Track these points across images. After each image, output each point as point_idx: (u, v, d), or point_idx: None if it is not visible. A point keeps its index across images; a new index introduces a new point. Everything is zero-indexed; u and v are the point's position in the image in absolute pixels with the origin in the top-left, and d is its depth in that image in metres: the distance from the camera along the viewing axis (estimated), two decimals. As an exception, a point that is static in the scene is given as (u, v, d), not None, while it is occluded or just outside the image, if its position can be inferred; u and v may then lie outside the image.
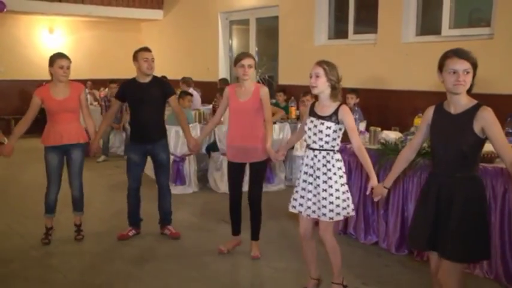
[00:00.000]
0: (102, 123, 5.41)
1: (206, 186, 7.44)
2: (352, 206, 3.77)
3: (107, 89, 10.65)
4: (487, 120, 2.89)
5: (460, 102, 2.99)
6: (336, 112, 3.65)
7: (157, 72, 5.40)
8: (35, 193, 7.02)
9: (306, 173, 3.77)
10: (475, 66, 2.93)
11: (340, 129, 3.68)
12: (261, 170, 4.67)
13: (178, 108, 5.32)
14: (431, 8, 7.47)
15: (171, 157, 5.92)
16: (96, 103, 10.98)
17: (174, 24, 12.98)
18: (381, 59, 7.74)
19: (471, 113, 2.94)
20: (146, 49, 5.04)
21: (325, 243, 3.79)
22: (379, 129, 5.29)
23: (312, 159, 3.72)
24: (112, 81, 10.04)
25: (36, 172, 7.97)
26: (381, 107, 7.63)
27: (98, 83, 12.07)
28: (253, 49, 10.75)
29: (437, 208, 3.07)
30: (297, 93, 7.87)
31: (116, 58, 13.75)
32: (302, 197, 3.78)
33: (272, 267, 4.58)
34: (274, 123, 6.40)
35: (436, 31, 7.22)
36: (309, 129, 3.74)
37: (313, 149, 3.72)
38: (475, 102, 2.98)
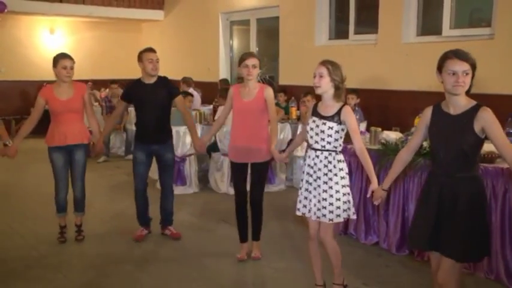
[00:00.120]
0: (107, 125, 5.41)
1: (207, 187, 7.44)
2: (353, 209, 3.73)
3: (107, 90, 10.66)
4: (487, 120, 2.90)
5: (459, 103, 2.99)
6: (338, 112, 3.61)
7: (158, 73, 5.36)
8: (36, 193, 7.06)
9: (308, 173, 3.74)
10: (474, 67, 2.94)
11: (342, 129, 3.64)
12: (264, 171, 4.64)
13: (184, 109, 5.27)
14: (432, 8, 7.47)
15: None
16: (96, 103, 10.98)
17: (175, 25, 12.98)
18: (381, 59, 7.74)
19: (471, 113, 2.94)
20: (151, 50, 5.00)
21: (325, 245, 3.76)
22: (380, 129, 5.29)
23: (314, 159, 3.69)
24: (113, 81, 10.06)
25: (38, 172, 8.00)
26: (381, 107, 7.63)
27: (98, 84, 12.08)
28: (253, 49, 10.74)
29: (438, 208, 3.07)
30: (298, 93, 7.87)
31: (117, 58, 13.78)
32: (306, 198, 3.76)
33: (273, 268, 4.58)
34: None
35: (437, 31, 7.22)
36: (311, 129, 3.70)
37: (315, 149, 3.69)
38: (474, 102, 2.98)
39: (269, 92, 4.50)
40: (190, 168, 7.19)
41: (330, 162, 3.64)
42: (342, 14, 8.84)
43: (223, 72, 11.62)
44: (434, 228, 3.09)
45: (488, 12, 6.69)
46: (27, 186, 7.55)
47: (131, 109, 7.82)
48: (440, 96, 3.10)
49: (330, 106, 3.66)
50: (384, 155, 4.76)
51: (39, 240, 5.26)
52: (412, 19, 7.51)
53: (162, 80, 5.06)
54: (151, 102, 4.93)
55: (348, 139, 3.72)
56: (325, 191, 3.63)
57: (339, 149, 3.68)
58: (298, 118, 7.63)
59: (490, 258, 4.11)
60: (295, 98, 7.99)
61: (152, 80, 4.97)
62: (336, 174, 3.63)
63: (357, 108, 7.19)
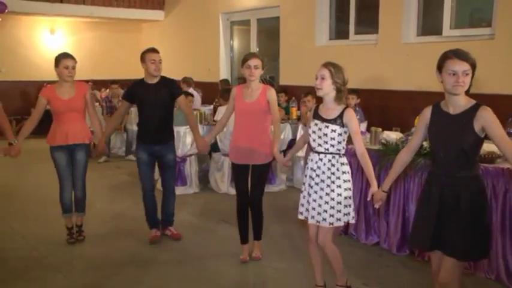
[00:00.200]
0: (109, 125, 5.40)
1: (207, 187, 7.44)
2: (353, 214, 3.69)
3: (108, 90, 10.67)
4: (486, 119, 2.90)
5: (459, 103, 2.99)
6: (341, 115, 3.57)
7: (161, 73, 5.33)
8: (37, 194, 7.06)
9: (310, 177, 3.70)
10: (474, 67, 2.94)
11: (345, 132, 3.60)
12: (264, 173, 4.60)
13: (187, 109, 5.24)
14: (432, 8, 7.47)
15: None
16: (97, 104, 10.98)
17: (175, 25, 12.99)
18: (381, 60, 7.74)
19: (471, 113, 2.94)
20: (154, 50, 4.98)
21: (324, 249, 3.73)
22: (380, 129, 5.29)
23: (317, 162, 3.65)
24: (113, 81, 10.06)
25: (39, 173, 8.01)
26: (381, 108, 7.63)
27: (99, 84, 12.09)
28: (254, 50, 10.75)
29: (439, 208, 3.07)
30: (298, 93, 7.88)
31: (117, 59, 13.80)
32: (308, 202, 3.72)
33: (273, 268, 4.57)
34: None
35: (437, 31, 7.22)
36: (313, 132, 3.66)
37: (318, 153, 3.65)
38: (473, 102, 2.99)
39: (272, 93, 4.46)
40: (191, 169, 7.19)
41: (333, 165, 3.61)
42: (342, 14, 8.84)
43: (224, 73, 11.62)
44: (436, 228, 3.09)
45: (488, 12, 6.69)
46: (28, 186, 7.55)
47: (132, 109, 7.81)
48: (441, 96, 3.10)
49: (331, 109, 3.63)
50: (384, 155, 4.75)
51: (39, 240, 5.26)
52: (413, 19, 7.51)
53: (165, 81, 5.04)
54: (153, 103, 4.91)
55: (348, 139, 3.71)
56: (327, 194, 3.60)
57: (342, 151, 3.65)
58: (299, 118, 7.63)
59: (490, 258, 4.11)
60: (295, 98, 7.99)
61: (155, 81, 4.96)
62: (338, 178, 3.60)
63: (357, 109, 7.19)
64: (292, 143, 7.30)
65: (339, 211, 3.59)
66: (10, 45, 12.69)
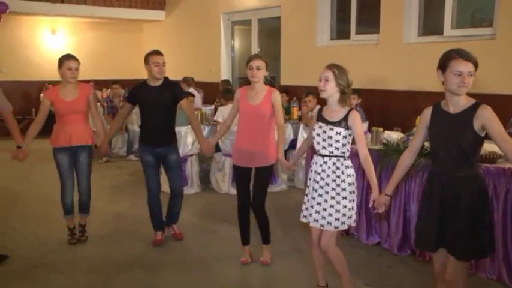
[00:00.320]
0: (112, 127, 5.39)
1: (208, 187, 7.44)
2: (354, 217, 3.66)
3: (109, 90, 10.67)
4: (486, 118, 2.90)
5: (459, 102, 3.00)
6: (345, 118, 3.53)
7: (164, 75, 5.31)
8: (38, 194, 7.07)
9: (314, 180, 3.66)
10: (476, 67, 2.95)
11: (349, 134, 3.56)
12: (266, 176, 4.50)
13: (190, 111, 5.19)
14: (434, 8, 7.47)
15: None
16: (98, 104, 10.98)
17: (176, 25, 12.99)
18: (383, 60, 7.74)
19: (471, 111, 2.95)
20: (157, 53, 4.94)
21: (327, 254, 3.68)
22: (381, 129, 5.29)
23: (321, 165, 3.61)
24: (114, 82, 10.06)
25: (41, 173, 8.02)
26: (383, 108, 7.63)
27: (100, 84, 12.09)
28: (255, 50, 10.76)
29: (441, 208, 3.08)
30: (299, 93, 7.88)
31: (118, 59, 13.81)
32: (312, 206, 3.66)
33: (275, 268, 4.57)
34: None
35: (438, 31, 7.21)
36: (318, 134, 3.62)
37: (323, 155, 3.61)
38: (473, 101, 2.99)
39: (277, 96, 4.39)
40: (192, 169, 7.19)
41: (338, 168, 3.57)
42: (343, 14, 8.84)
43: (225, 73, 11.63)
44: (438, 227, 3.09)
45: (489, 12, 6.69)
46: (29, 187, 7.56)
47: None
48: (442, 96, 3.10)
49: (335, 111, 3.59)
50: (385, 155, 4.76)
51: (41, 241, 5.27)
52: (414, 19, 7.51)
53: (168, 83, 5.01)
54: (156, 105, 4.87)
55: (352, 142, 3.67)
56: (332, 197, 3.55)
57: (347, 154, 3.61)
58: (300, 118, 7.64)
59: (492, 258, 4.11)
60: (296, 98, 7.99)
61: (158, 83, 4.92)
62: (343, 181, 3.56)
63: (358, 109, 7.18)
64: (293, 143, 7.31)
65: (344, 215, 3.56)
66: (11, 45, 12.70)
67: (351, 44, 8.49)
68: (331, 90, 3.54)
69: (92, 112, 5.10)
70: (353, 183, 3.61)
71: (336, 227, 3.56)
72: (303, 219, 3.77)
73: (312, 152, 4.22)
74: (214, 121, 7.37)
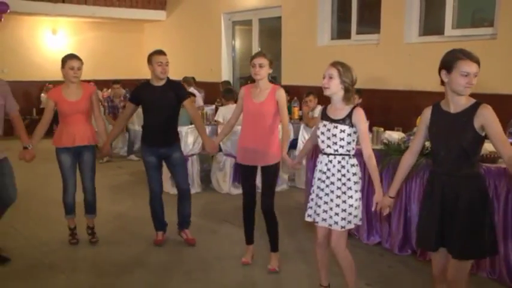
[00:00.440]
0: (115, 128, 5.39)
1: (209, 187, 7.44)
2: (360, 216, 3.61)
3: (109, 90, 10.68)
4: (486, 118, 2.91)
5: (460, 102, 3.01)
6: (349, 115, 3.49)
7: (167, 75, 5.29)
8: (39, 194, 7.07)
9: (319, 179, 3.63)
10: (479, 67, 2.96)
11: (354, 132, 3.52)
12: (273, 175, 4.45)
13: (194, 112, 5.17)
14: (434, 8, 7.46)
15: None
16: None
17: (177, 25, 13.00)
18: (383, 59, 7.74)
19: (471, 111, 2.95)
20: (161, 52, 4.91)
21: (337, 256, 3.62)
22: (382, 129, 5.29)
23: (326, 164, 3.56)
24: (115, 81, 10.06)
25: (42, 173, 8.01)
26: (383, 107, 7.63)
27: (101, 84, 12.06)
28: (256, 50, 10.75)
29: (442, 208, 3.08)
30: (300, 93, 7.88)
31: (119, 59, 13.82)
32: (317, 204, 3.64)
33: (279, 269, 4.53)
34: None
35: (439, 31, 7.21)
36: (322, 133, 3.58)
37: (328, 154, 3.57)
38: (473, 100, 3.00)
39: (281, 93, 4.34)
40: (193, 169, 7.19)
41: (343, 166, 3.53)
42: (344, 14, 8.84)
43: (226, 73, 11.63)
44: (439, 226, 3.09)
45: (490, 12, 6.68)
46: (30, 186, 7.55)
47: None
48: (443, 96, 3.10)
49: (339, 109, 3.55)
50: (386, 155, 4.76)
51: (42, 241, 5.27)
52: (415, 19, 7.50)
53: (171, 83, 4.98)
54: (159, 105, 4.85)
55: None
56: (338, 196, 3.51)
57: (352, 152, 3.56)
58: (301, 118, 7.64)
59: (493, 258, 4.11)
60: (297, 98, 7.99)
61: (161, 83, 4.90)
62: (349, 179, 3.51)
63: (359, 109, 7.18)
64: (294, 143, 7.31)
65: (350, 214, 3.51)
66: (12, 45, 12.71)
67: (351, 44, 8.49)
68: (335, 88, 3.51)
69: (94, 113, 5.10)
70: (359, 182, 3.57)
71: (342, 227, 3.52)
72: (307, 219, 3.73)
73: (316, 151, 4.21)
74: (215, 121, 7.37)
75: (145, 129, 5.05)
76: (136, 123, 9.33)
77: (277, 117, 4.37)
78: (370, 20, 8.21)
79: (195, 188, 7.19)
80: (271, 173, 4.43)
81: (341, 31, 8.92)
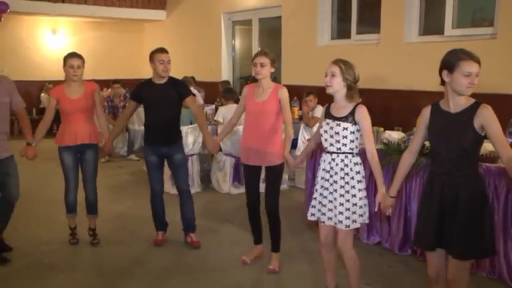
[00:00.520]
0: (117, 126, 5.38)
1: (209, 187, 7.44)
2: (367, 214, 3.58)
3: (109, 89, 10.67)
4: (486, 118, 2.91)
5: (460, 102, 3.01)
6: (352, 112, 3.48)
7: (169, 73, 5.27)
8: (40, 194, 7.07)
9: (322, 178, 3.61)
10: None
11: (357, 130, 3.50)
12: (277, 175, 4.43)
13: (197, 109, 5.14)
14: (434, 7, 7.47)
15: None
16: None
17: (177, 25, 12.99)
18: (383, 59, 7.74)
19: (471, 111, 2.96)
20: (163, 50, 4.89)
21: (343, 255, 3.60)
22: (382, 129, 5.30)
23: (330, 163, 3.54)
24: (115, 81, 10.05)
25: (43, 172, 8.02)
26: (383, 107, 7.62)
27: (101, 84, 11.95)
28: (256, 49, 10.74)
29: (441, 207, 3.08)
30: (300, 93, 7.87)
31: (119, 58, 13.81)
32: (320, 203, 3.62)
33: (279, 269, 4.53)
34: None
35: (439, 31, 7.21)
36: (325, 131, 3.56)
37: (331, 153, 3.54)
38: (473, 100, 3.00)
39: (284, 92, 4.31)
40: (193, 168, 7.18)
41: (346, 165, 3.50)
42: (344, 14, 8.84)
43: (226, 72, 11.62)
44: (438, 226, 3.10)
45: (490, 12, 6.69)
46: (32, 186, 7.53)
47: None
48: (443, 96, 3.10)
49: (342, 107, 3.53)
50: (385, 155, 4.75)
51: (42, 240, 5.28)
52: (415, 19, 7.50)
53: (173, 81, 4.96)
54: (161, 103, 4.83)
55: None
56: (342, 195, 3.49)
57: (356, 151, 3.53)
58: (301, 118, 7.64)
59: (492, 258, 4.11)
60: (297, 98, 7.99)
61: (163, 81, 4.88)
62: (352, 178, 3.49)
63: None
64: (294, 143, 7.30)
65: (354, 212, 3.48)
66: (12, 45, 12.70)
67: (351, 44, 8.49)
68: (337, 86, 3.49)
69: (97, 111, 5.10)
70: (362, 181, 3.54)
71: (347, 226, 3.48)
72: (311, 218, 3.70)
73: (320, 149, 4.19)
74: (215, 121, 7.37)
75: (147, 128, 5.02)
76: (136, 123, 9.33)
77: (280, 116, 4.34)
78: (370, 20, 8.21)
79: (195, 188, 7.18)
80: (276, 173, 4.42)
81: (341, 31, 8.93)
